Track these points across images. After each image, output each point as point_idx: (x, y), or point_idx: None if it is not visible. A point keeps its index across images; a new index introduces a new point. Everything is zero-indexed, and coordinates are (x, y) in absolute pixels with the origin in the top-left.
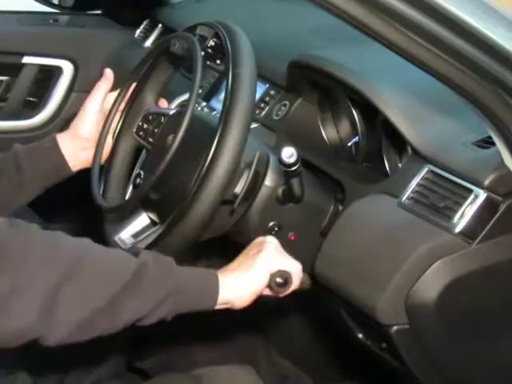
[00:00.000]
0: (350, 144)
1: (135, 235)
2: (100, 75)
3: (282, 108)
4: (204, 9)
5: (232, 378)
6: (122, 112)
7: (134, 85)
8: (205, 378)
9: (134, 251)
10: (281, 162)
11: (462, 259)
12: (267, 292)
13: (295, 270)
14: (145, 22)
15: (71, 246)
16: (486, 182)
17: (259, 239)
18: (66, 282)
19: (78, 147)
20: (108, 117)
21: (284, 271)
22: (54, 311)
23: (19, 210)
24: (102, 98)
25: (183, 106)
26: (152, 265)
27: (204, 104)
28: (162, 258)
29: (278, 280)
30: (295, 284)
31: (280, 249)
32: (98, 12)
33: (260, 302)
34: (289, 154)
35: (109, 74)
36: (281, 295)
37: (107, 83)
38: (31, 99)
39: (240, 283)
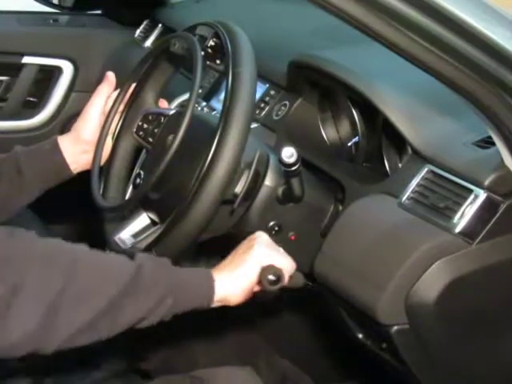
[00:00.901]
0: (350, 144)
1: (135, 235)
2: (100, 75)
3: (282, 108)
4: (204, 9)
5: (232, 379)
6: (122, 112)
7: (133, 85)
8: (205, 380)
9: (129, 253)
10: (281, 161)
11: (462, 259)
12: (257, 288)
13: (287, 266)
14: (145, 22)
15: (68, 253)
16: (486, 182)
17: (250, 237)
18: (65, 288)
19: (79, 150)
20: (108, 117)
21: (277, 268)
22: (54, 317)
23: (20, 212)
24: (103, 101)
25: (183, 106)
26: (148, 266)
27: (204, 104)
28: (157, 259)
29: (271, 277)
30: (285, 281)
31: (271, 244)
32: (98, 12)
33: (259, 301)
34: (289, 153)
35: (111, 77)
36: (271, 291)
37: (109, 86)
38: (31, 99)
39: (234, 280)
